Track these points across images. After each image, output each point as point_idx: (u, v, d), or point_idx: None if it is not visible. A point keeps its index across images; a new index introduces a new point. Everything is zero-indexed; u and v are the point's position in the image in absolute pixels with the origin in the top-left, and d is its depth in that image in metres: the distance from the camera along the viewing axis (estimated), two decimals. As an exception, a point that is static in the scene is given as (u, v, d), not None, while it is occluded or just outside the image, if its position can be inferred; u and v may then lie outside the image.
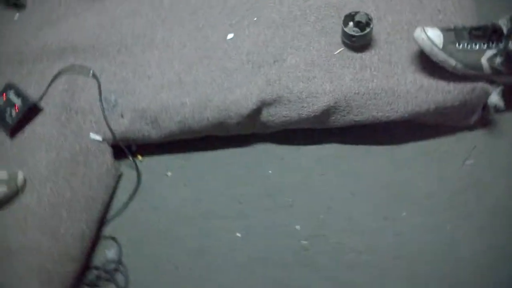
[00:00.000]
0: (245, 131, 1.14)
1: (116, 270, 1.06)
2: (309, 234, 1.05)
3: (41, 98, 1.15)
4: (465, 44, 0.95)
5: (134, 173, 1.17)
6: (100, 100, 1.13)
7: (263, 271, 1.03)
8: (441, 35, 0.96)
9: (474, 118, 1.06)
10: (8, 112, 1.10)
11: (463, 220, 1.01)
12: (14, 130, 1.11)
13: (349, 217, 1.05)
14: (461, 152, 1.08)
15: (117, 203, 1.15)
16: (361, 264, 1.01)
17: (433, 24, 1.00)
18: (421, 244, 1.01)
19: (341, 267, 1.01)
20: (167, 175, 1.17)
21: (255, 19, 1.16)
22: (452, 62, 0.96)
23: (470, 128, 1.09)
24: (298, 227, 1.06)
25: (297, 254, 1.03)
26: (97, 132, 1.14)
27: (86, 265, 1.06)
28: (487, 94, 1.00)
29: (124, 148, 1.15)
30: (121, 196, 1.15)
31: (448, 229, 1.01)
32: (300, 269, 1.02)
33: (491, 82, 1.01)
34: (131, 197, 1.15)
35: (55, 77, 1.18)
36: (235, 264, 1.04)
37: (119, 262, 1.07)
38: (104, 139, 1.14)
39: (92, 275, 1.05)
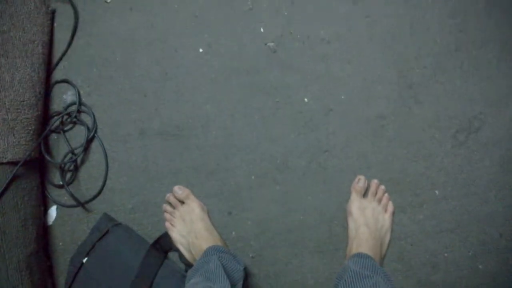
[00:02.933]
0: None
1: (79, 111, 1.00)
2: (274, 34, 0.99)
3: None
4: None
5: (68, 7, 1.01)
6: None
7: (236, 81, 0.99)
8: None
9: None
10: None
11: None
12: None
13: (315, 8, 0.98)
14: None
15: (60, 44, 1.02)
16: (333, 52, 0.98)
17: None
18: (390, 19, 0.97)
19: (314, 60, 0.98)
20: (106, 2, 1.02)
21: None
22: None
23: None
24: (262, 29, 0.99)
25: (266, 56, 0.98)
26: (6, -35, 0.94)
27: (48, 113, 0.99)
28: None
29: (47, -21, 0.97)
30: (62, 35, 1.02)
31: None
32: (272, 71, 0.98)
33: None
34: (73, 34, 1.02)
35: None
36: (206, 80, 0.99)
37: (80, 103, 1.00)
38: (19, -29, 0.95)
39: (56, 121, 0.98)
